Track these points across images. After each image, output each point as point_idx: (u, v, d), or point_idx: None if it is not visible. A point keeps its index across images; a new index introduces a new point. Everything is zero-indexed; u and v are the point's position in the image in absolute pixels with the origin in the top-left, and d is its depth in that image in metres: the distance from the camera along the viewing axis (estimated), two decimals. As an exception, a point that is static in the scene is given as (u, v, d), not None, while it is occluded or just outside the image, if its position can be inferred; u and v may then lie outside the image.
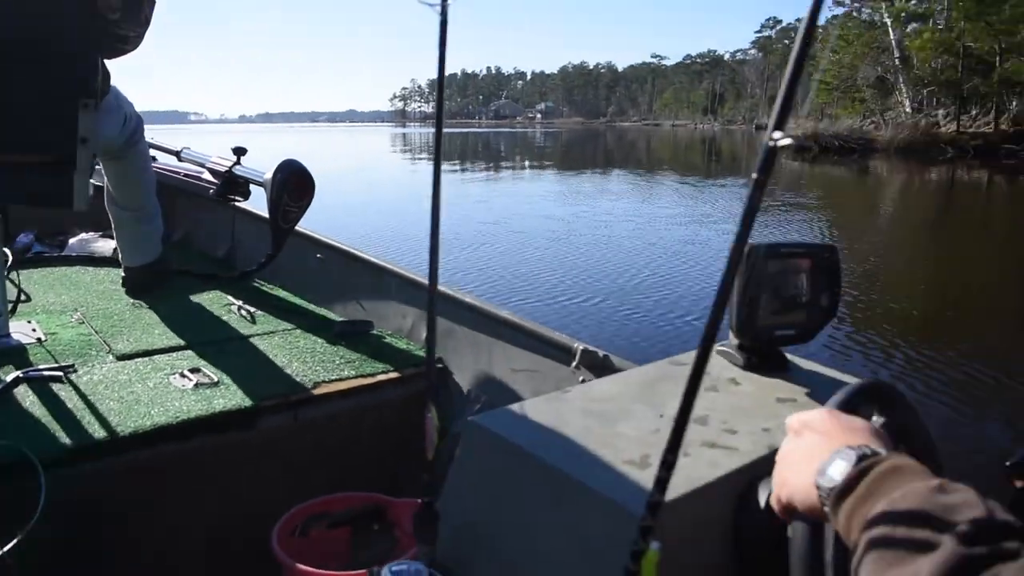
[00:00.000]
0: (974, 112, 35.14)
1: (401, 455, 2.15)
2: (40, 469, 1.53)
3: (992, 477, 1.09)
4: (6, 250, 2.39)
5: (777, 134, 0.60)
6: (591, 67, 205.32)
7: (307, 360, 2.23)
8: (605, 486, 0.98)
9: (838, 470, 0.69)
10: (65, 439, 1.67)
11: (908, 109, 37.79)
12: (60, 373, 2.03)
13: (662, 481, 0.71)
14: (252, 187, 3.17)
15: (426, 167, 27.01)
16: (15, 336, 2.29)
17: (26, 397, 1.88)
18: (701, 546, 1.01)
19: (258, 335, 2.45)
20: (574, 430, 1.13)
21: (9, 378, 1.96)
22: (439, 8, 0.96)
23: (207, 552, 1.85)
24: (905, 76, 38.51)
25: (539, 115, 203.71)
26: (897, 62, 39.37)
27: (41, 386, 1.95)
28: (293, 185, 2.74)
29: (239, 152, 3.21)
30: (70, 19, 2.11)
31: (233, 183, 3.21)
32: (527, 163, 30.10)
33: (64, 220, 3.64)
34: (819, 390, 1.33)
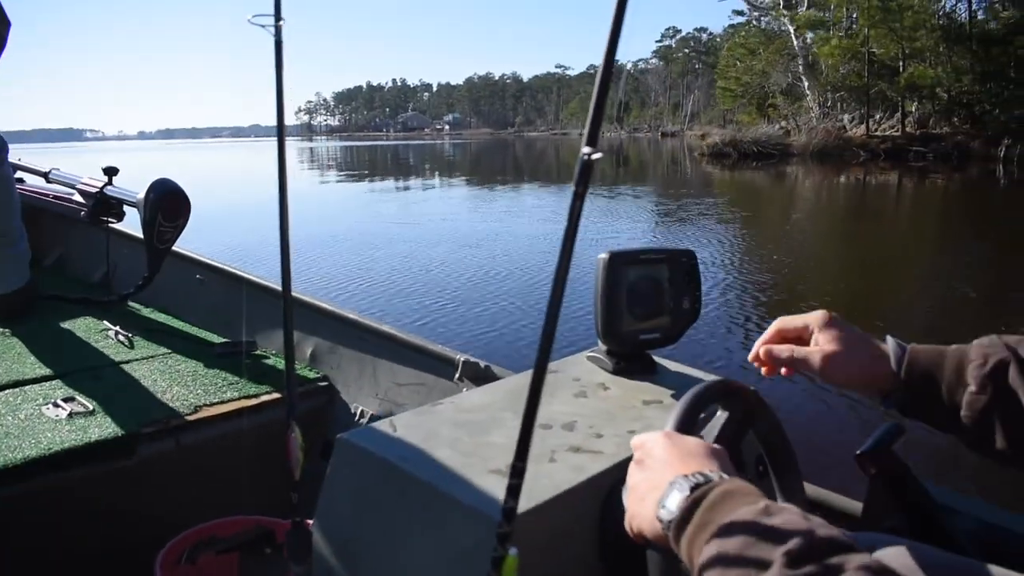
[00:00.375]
0: (878, 116, 36.36)
1: (287, 477, 2.14)
2: None
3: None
4: None
5: (587, 149, 0.65)
6: (497, 78, 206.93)
7: (188, 383, 2.20)
8: (470, 496, 1.01)
9: (674, 501, 0.73)
10: None
11: (815, 114, 38.79)
12: (-78, 410, 1.94)
13: (514, 488, 0.75)
14: (127, 208, 3.09)
15: (335, 182, 26.63)
16: None
17: None
18: (569, 549, 1.06)
19: (136, 360, 2.39)
20: (444, 441, 1.16)
21: None
22: (272, 30, 0.98)
23: None
24: (813, 82, 39.50)
25: (447, 126, 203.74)
26: (801, 68, 40.40)
27: (-99, 425, 1.86)
28: (167, 204, 2.68)
29: (110, 172, 3.12)
30: None
31: (105, 204, 3.11)
32: (438, 177, 29.74)
33: None
34: (685, 391, 1.40)
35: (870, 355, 1.00)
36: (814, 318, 1.04)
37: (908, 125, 34.84)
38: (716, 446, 0.84)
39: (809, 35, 41.85)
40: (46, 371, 2.25)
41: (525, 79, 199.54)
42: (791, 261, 9.31)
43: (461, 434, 1.19)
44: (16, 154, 3.31)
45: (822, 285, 8.09)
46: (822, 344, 1.02)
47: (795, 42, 42.16)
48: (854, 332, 1.02)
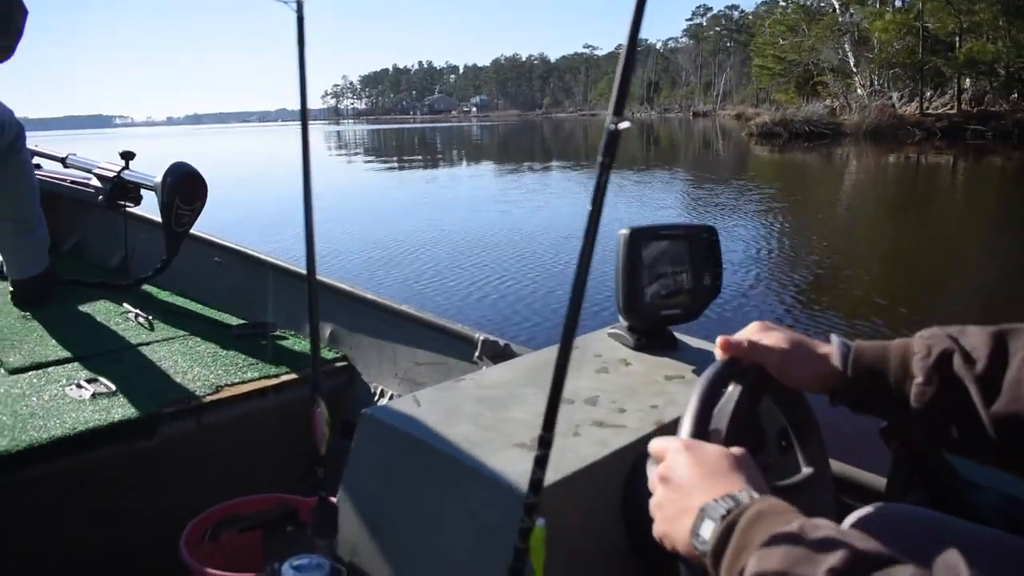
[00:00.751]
0: (928, 94, 34.88)
1: (308, 456, 2.15)
2: None
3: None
4: None
5: (614, 119, 0.65)
6: (524, 59, 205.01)
7: (208, 364, 2.21)
8: (495, 470, 1.02)
9: (708, 531, 0.72)
10: None
11: (861, 91, 37.40)
12: (-52, 392, 1.97)
13: (541, 459, 0.75)
14: (144, 192, 3.10)
15: (362, 165, 26.45)
16: None
17: None
18: (594, 522, 1.06)
19: (156, 342, 2.41)
20: (467, 417, 1.17)
21: None
22: (294, 5, 0.98)
23: (115, 563, 1.83)
24: (864, 58, 38.19)
25: (474, 108, 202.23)
26: (846, 46, 39.08)
27: (-71, 406, 1.89)
28: (184, 188, 2.69)
29: (127, 156, 3.13)
30: None
31: (123, 188, 3.12)
32: (464, 159, 29.31)
33: None
34: (704, 367, 1.39)
35: (816, 354, 0.99)
36: (751, 328, 1.03)
37: (964, 103, 33.44)
38: (738, 451, 0.83)
39: (852, 11, 40.56)
40: (68, 353, 2.27)
41: (553, 60, 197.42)
42: (842, 246, 9.06)
43: (483, 409, 1.19)
44: (45, 141, 3.33)
45: (879, 272, 7.78)
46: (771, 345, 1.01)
47: (839, 16, 40.94)
48: (795, 334, 1.02)
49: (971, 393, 0.87)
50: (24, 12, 2.35)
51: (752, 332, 1.02)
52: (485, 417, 1.16)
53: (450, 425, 1.13)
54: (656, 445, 0.88)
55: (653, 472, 0.87)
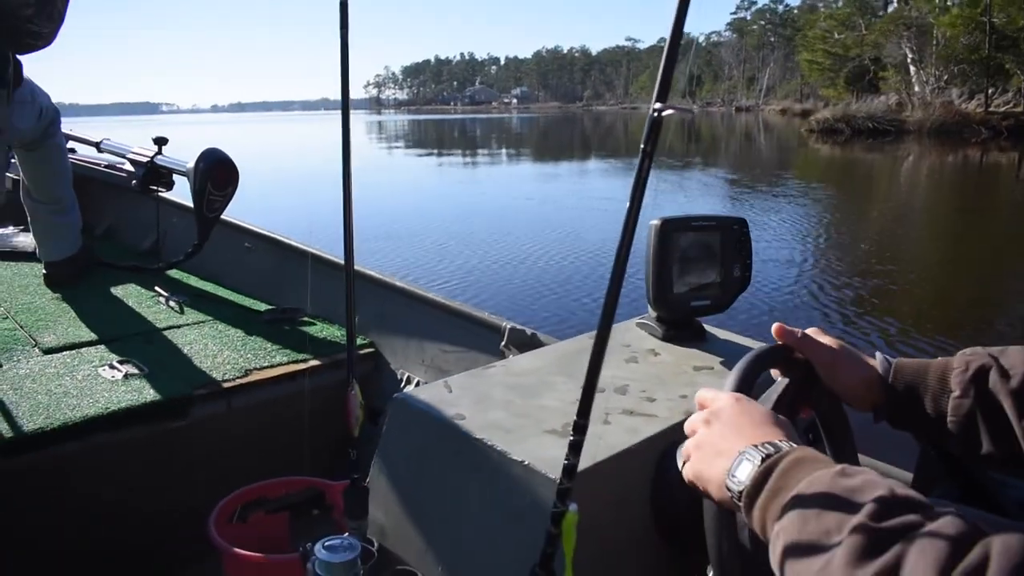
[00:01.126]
0: (990, 91, 33.50)
1: (335, 439, 2.17)
2: None
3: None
4: None
5: (658, 105, 0.65)
6: (565, 51, 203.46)
7: (238, 348, 2.24)
8: (527, 455, 1.02)
9: (744, 472, 0.72)
10: None
11: (928, 88, 36.19)
12: (-16, 370, 2.00)
13: (576, 445, 0.76)
14: (176, 177, 3.13)
15: (402, 155, 26.50)
16: None
17: None
18: (623, 509, 1.06)
19: (187, 325, 2.44)
20: (497, 403, 1.18)
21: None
22: None
23: (145, 540, 1.85)
24: (924, 53, 37.04)
25: (515, 100, 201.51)
26: (907, 41, 37.93)
27: (-34, 383, 1.93)
28: (216, 174, 2.72)
29: (160, 142, 3.17)
30: None
31: (155, 173, 3.16)
32: (504, 150, 29.00)
33: None
34: (734, 358, 1.39)
35: (863, 362, 1.00)
36: (811, 330, 1.04)
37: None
38: (781, 417, 0.83)
39: (911, 4, 39.49)
40: (101, 335, 2.30)
41: (594, 52, 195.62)
42: (910, 250, 8.75)
43: (513, 396, 1.20)
44: (93, 126, 3.37)
45: (941, 282, 7.44)
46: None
47: (895, 7, 40.00)
48: (848, 345, 1.03)
49: (1005, 407, 0.88)
50: None
51: (812, 332, 1.03)
52: (516, 404, 1.17)
53: (481, 411, 1.14)
54: (706, 392, 0.88)
55: (682, 459, 0.87)
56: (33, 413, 1.75)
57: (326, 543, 1.05)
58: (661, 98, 0.66)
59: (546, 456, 1.01)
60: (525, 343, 1.97)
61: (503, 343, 2.01)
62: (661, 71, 0.66)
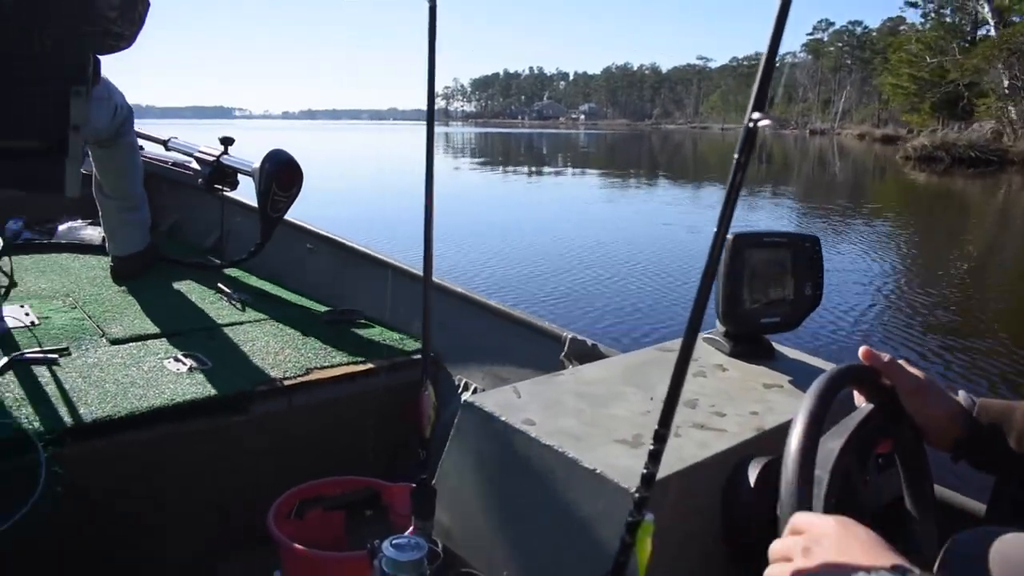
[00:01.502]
0: None
1: (392, 442, 2.19)
2: (40, 448, 1.57)
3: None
4: None
5: (756, 115, 0.64)
6: (635, 68, 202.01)
7: (299, 347, 2.26)
8: (599, 463, 1.02)
9: None
10: (62, 419, 1.70)
11: (1015, 116, 35.14)
12: (55, 356, 2.05)
13: (656, 454, 0.75)
14: (241, 177, 3.19)
15: (468, 167, 26.63)
16: (8, 320, 2.30)
17: (23, 379, 1.90)
18: (692, 523, 1.06)
19: (248, 322, 2.47)
20: (567, 411, 1.18)
21: (3, 361, 1.98)
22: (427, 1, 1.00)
23: (203, 530, 1.88)
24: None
25: (582, 116, 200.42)
26: (1010, 68, 36.46)
27: (37, 368, 1.98)
28: (281, 175, 2.76)
29: (226, 142, 3.23)
30: (66, 8, 2.14)
31: (221, 172, 3.22)
32: (575, 169, 28.41)
33: (53, 208, 3.63)
34: (803, 378, 1.38)
35: (947, 396, 0.99)
36: (902, 361, 1.03)
37: None
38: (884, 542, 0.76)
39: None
40: (164, 328, 2.35)
41: (664, 70, 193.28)
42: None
43: (583, 405, 1.20)
44: (168, 128, 3.46)
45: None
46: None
47: (993, 31, 38.59)
48: (933, 378, 1.01)
49: None
50: (147, 3, 2.45)
51: (903, 363, 1.02)
52: (586, 412, 1.17)
53: (551, 417, 1.14)
54: (802, 517, 0.81)
55: (754, 473, 0.86)
56: (102, 401, 1.79)
57: (393, 541, 1.06)
58: (758, 107, 0.64)
59: (618, 465, 1.01)
60: (586, 354, 1.97)
61: (563, 353, 2.01)
62: (759, 79, 0.64)
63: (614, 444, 1.07)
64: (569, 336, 2.02)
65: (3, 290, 2.45)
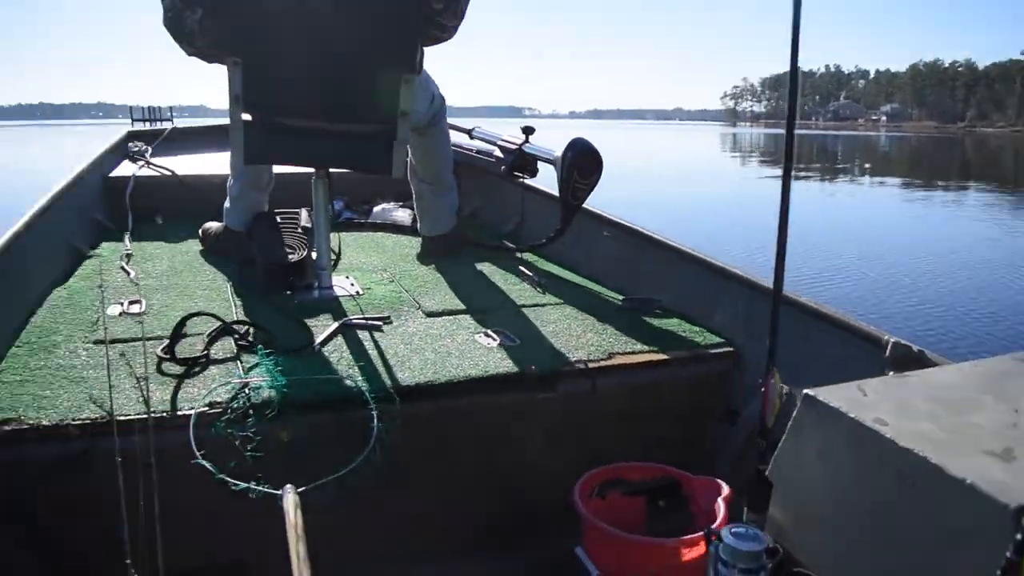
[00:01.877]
0: None
1: (689, 435, 2.16)
2: (372, 405, 1.70)
3: None
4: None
5: None
6: (946, 65, 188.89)
7: (599, 331, 2.29)
8: (967, 473, 0.92)
9: None
10: (389, 380, 1.83)
11: None
12: (379, 323, 2.23)
13: None
14: (539, 165, 3.28)
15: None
16: (336, 289, 2.54)
17: (353, 342, 2.08)
18: None
19: (549, 304, 2.54)
20: (921, 414, 1.08)
21: (336, 324, 2.17)
22: None
23: (506, 497, 1.96)
24: None
25: (884, 117, 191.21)
26: None
27: (364, 333, 2.16)
28: (583, 163, 2.80)
29: (528, 131, 3.33)
30: (400, 3, 2.30)
31: (522, 160, 3.32)
32: (867, 176, 26.85)
33: (369, 190, 3.95)
34: None
35: None
36: None
37: None
38: None
39: None
40: (471, 305, 2.47)
41: (981, 67, 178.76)
42: None
43: (939, 410, 1.10)
44: (462, 122, 3.69)
45: None
46: None
47: None
48: None
49: None
50: None
51: None
52: (943, 419, 1.07)
53: (905, 419, 1.06)
54: None
55: None
56: (423, 367, 1.91)
57: (733, 529, 1.03)
58: None
59: (991, 478, 0.91)
60: (911, 359, 1.81)
61: (885, 356, 1.86)
62: None
63: (982, 455, 0.97)
64: (892, 340, 1.87)
65: (334, 262, 2.70)
